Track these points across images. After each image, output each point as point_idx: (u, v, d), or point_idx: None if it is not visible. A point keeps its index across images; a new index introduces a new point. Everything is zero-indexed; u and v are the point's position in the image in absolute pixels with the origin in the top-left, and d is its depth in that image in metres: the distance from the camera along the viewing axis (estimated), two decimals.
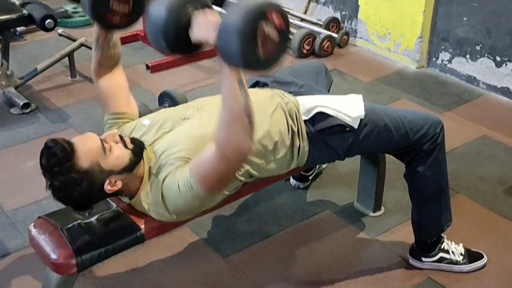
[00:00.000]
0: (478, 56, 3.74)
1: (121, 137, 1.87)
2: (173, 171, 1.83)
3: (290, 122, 2.06)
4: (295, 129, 2.07)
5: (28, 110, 3.52)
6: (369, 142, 2.16)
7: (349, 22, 4.46)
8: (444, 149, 2.27)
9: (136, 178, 1.87)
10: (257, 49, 1.48)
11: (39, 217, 1.96)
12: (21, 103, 3.50)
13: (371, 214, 2.69)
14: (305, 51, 4.18)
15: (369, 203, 2.69)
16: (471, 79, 3.81)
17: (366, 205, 2.71)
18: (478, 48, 3.72)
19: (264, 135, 2.00)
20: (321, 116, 2.09)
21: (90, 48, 3.78)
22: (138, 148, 1.88)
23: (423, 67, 4.04)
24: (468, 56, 3.79)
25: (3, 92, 3.62)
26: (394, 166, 2.55)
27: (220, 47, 1.52)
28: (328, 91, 2.55)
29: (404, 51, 4.07)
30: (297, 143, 2.08)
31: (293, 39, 4.16)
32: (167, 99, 3.38)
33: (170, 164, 1.86)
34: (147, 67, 4.02)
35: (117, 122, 2.08)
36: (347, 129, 2.10)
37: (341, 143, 2.12)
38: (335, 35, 4.26)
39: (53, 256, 1.78)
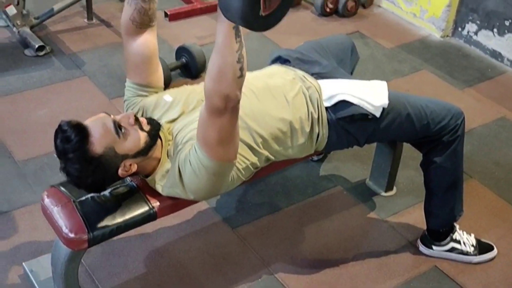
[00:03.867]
0: (506, 31, 3.62)
1: (136, 119, 1.82)
2: (186, 149, 1.80)
3: (311, 108, 2.01)
4: (316, 116, 2.02)
5: (42, 53, 3.46)
6: (389, 131, 2.12)
7: None
8: (463, 141, 2.23)
9: (152, 159, 1.85)
10: (259, 7, 1.34)
11: (52, 186, 1.94)
12: (36, 46, 3.43)
13: (383, 193, 2.67)
14: (328, 10, 4.07)
15: (381, 182, 2.67)
16: (496, 55, 3.71)
17: (378, 184, 2.68)
18: (507, 23, 3.60)
19: (284, 121, 1.96)
20: (343, 104, 2.03)
21: None
22: (154, 130, 1.83)
23: (447, 36, 3.93)
24: (495, 30, 3.68)
25: (18, 32, 3.54)
26: (409, 144, 2.51)
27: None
28: (353, 70, 2.48)
29: (429, 18, 3.94)
30: (316, 130, 2.03)
31: None
32: (185, 55, 3.31)
33: (184, 143, 1.82)
34: (166, 14, 3.92)
35: (139, 94, 2.01)
36: (369, 117, 2.05)
37: (362, 131, 2.08)
38: None
39: (65, 230, 1.78)
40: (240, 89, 1.61)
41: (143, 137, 1.79)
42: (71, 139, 1.69)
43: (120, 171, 1.78)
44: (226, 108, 1.61)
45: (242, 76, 1.57)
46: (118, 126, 1.76)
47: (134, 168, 1.80)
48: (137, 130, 1.80)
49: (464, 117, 2.21)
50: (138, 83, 2.00)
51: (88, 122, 1.75)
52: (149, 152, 1.81)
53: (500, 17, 3.63)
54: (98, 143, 1.72)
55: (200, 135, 1.72)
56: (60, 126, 1.73)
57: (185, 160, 1.78)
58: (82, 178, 1.75)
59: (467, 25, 3.83)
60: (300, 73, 2.12)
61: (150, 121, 1.85)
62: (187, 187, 1.82)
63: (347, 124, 2.06)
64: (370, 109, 2.04)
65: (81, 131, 1.70)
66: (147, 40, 1.95)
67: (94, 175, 1.74)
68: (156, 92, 2.03)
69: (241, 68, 1.55)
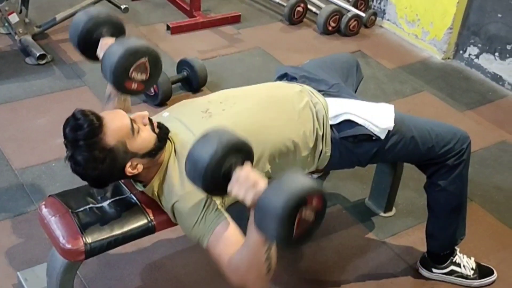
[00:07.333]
0: (508, 55, 3.63)
1: (150, 120, 1.81)
2: (185, 198, 1.77)
3: (317, 125, 2.00)
4: (321, 133, 2.00)
5: (43, 62, 3.45)
6: (393, 153, 2.10)
7: (378, 1, 4.32)
8: (468, 165, 2.22)
9: (156, 164, 1.82)
10: (292, 231, 1.47)
11: (50, 196, 1.91)
12: (37, 54, 3.42)
13: (382, 214, 2.65)
14: (330, 28, 4.08)
15: (380, 202, 2.65)
16: (497, 78, 3.72)
17: (377, 204, 2.67)
18: (508, 47, 3.61)
19: (287, 136, 1.94)
20: (348, 123, 2.02)
21: (112, 3, 3.70)
22: (163, 133, 1.82)
23: (449, 58, 3.94)
24: (497, 54, 3.69)
25: (20, 40, 3.53)
26: (409, 164, 2.49)
27: (256, 219, 1.51)
28: (357, 88, 2.47)
29: (431, 40, 3.96)
30: (320, 147, 2.02)
31: (319, 15, 4.06)
32: (186, 68, 3.30)
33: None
34: (168, 27, 3.92)
35: None
36: (373, 138, 2.03)
37: (365, 152, 2.06)
38: (362, 14, 4.14)
39: (62, 241, 1.75)
40: (263, 283, 1.67)
41: (153, 138, 1.78)
42: (84, 127, 1.66)
43: (127, 169, 1.75)
44: None
45: (268, 274, 1.64)
46: (133, 123, 1.75)
47: (140, 168, 1.77)
48: (149, 130, 1.78)
49: (470, 142, 2.19)
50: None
51: (103, 114, 1.74)
52: (156, 155, 1.79)
53: (502, 41, 3.64)
54: (112, 135, 1.69)
55: (213, 252, 1.74)
56: (73, 114, 1.70)
57: (183, 215, 1.78)
58: (89, 169, 1.70)
59: (468, 48, 3.84)
60: (308, 87, 2.11)
61: (160, 125, 1.83)
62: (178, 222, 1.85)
63: (350, 144, 2.04)
64: (375, 130, 2.03)
65: (95, 120, 1.68)
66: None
67: (102, 166, 1.70)
68: None
69: (268, 266, 1.63)
